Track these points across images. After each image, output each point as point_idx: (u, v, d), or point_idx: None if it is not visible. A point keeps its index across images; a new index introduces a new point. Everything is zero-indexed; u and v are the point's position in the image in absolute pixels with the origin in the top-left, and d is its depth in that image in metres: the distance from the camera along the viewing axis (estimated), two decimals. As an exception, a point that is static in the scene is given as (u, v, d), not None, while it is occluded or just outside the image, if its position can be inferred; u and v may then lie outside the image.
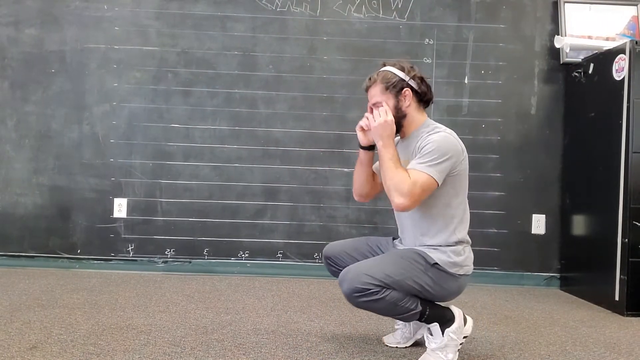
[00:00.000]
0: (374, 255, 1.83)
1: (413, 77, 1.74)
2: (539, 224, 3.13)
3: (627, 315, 2.46)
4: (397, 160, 1.66)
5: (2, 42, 3.10)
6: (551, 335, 2.09)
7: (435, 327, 1.68)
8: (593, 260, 2.75)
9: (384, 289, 1.57)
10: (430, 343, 1.69)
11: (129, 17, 3.11)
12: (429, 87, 1.78)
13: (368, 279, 1.57)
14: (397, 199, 1.60)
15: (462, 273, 1.69)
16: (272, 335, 1.96)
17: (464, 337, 1.73)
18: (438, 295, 1.68)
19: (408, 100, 1.74)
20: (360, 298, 1.57)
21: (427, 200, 1.67)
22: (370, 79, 1.78)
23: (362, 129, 1.80)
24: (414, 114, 1.76)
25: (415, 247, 1.73)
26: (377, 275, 1.58)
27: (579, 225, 2.93)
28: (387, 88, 1.73)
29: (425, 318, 1.67)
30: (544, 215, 3.13)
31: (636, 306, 2.46)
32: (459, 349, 1.71)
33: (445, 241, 1.69)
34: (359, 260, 1.78)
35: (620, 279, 2.50)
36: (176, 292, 2.63)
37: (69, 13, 3.11)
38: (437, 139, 1.65)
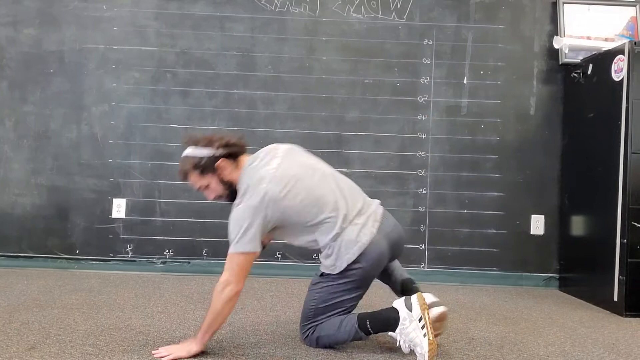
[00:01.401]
0: None
1: (219, 147, 1.73)
2: (537, 224, 3.13)
3: (626, 316, 2.46)
4: (205, 322, 1.68)
5: (1, 42, 3.09)
6: (550, 336, 2.09)
7: (392, 334, 1.68)
8: (592, 261, 2.75)
9: (313, 327, 1.79)
10: (403, 349, 1.68)
11: (128, 17, 3.11)
12: (237, 142, 1.77)
13: (302, 328, 1.83)
14: (226, 290, 1.64)
15: (344, 268, 1.72)
16: (271, 335, 1.96)
17: (420, 320, 1.61)
18: (351, 294, 1.76)
19: (227, 169, 1.74)
20: (311, 343, 1.80)
21: (290, 240, 1.82)
22: (181, 170, 1.77)
23: None
24: (236, 174, 1.76)
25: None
26: (302, 322, 1.83)
27: (578, 225, 2.93)
28: (202, 172, 1.74)
29: (370, 330, 1.70)
30: (542, 216, 3.13)
31: (635, 307, 2.46)
32: (425, 333, 1.60)
33: (324, 253, 1.78)
34: None
35: (618, 279, 2.51)
36: (175, 292, 2.62)
37: (67, 13, 3.10)
38: (235, 213, 1.67)
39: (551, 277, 3.12)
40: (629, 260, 2.47)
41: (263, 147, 3.10)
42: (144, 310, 2.26)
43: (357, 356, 1.76)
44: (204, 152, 1.73)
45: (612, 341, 2.07)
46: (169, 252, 3.10)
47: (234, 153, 1.75)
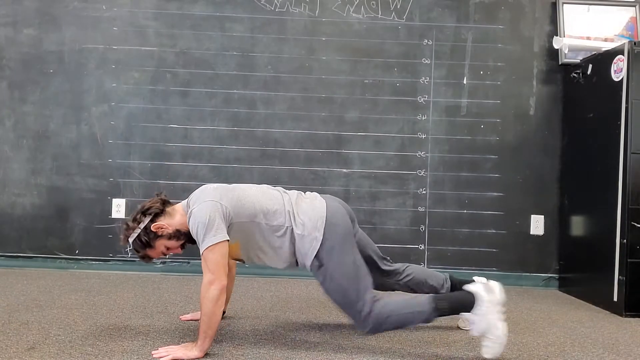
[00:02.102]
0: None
1: (141, 219, 1.78)
2: (537, 224, 3.13)
3: (626, 316, 2.46)
4: (201, 327, 1.67)
5: (0, 42, 3.09)
6: (550, 336, 2.09)
7: (465, 315, 1.69)
8: (591, 261, 2.75)
9: (369, 305, 1.72)
10: (473, 332, 1.69)
11: (128, 18, 3.11)
12: (152, 203, 1.81)
13: (357, 316, 1.75)
14: (211, 289, 1.65)
15: (319, 235, 1.75)
16: (271, 336, 1.96)
17: (500, 305, 1.69)
18: (353, 254, 1.78)
19: (165, 225, 1.79)
20: (377, 323, 1.74)
21: (258, 252, 1.81)
22: (141, 257, 1.85)
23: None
24: (178, 220, 1.81)
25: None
26: (352, 310, 1.75)
27: (578, 226, 2.93)
28: (150, 244, 1.79)
29: (445, 311, 1.71)
30: (542, 216, 3.13)
31: (634, 307, 2.46)
32: (501, 318, 1.66)
33: (298, 237, 1.77)
34: None
35: (618, 279, 2.51)
36: (174, 292, 2.62)
37: (67, 13, 3.10)
38: (194, 218, 1.71)
39: (551, 277, 3.12)
40: (629, 260, 2.47)
41: (262, 146, 3.12)
42: (143, 310, 2.26)
43: (357, 356, 1.76)
44: (137, 232, 1.79)
45: (612, 341, 2.07)
46: (168, 252, 3.10)
47: (157, 212, 1.80)
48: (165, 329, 1.98)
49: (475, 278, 2.11)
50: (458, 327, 2.15)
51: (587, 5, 3.10)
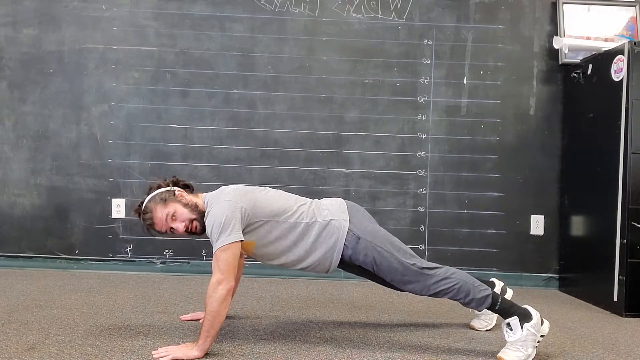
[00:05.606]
0: None
1: (169, 183, 1.89)
2: (537, 224, 3.13)
3: (626, 316, 2.46)
4: (204, 326, 1.68)
5: (1, 42, 3.09)
6: (550, 336, 2.09)
7: (514, 320, 1.72)
8: (592, 261, 2.75)
9: (419, 267, 1.81)
10: (509, 337, 1.73)
11: (127, 17, 3.10)
12: (177, 181, 1.92)
13: (410, 277, 1.83)
14: (219, 289, 1.68)
15: (345, 215, 1.85)
16: (271, 336, 1.96)
17: (541, 336, 1.75)
18: (380, 229, 1.89)
19: (186, 196, 1.86)
20: (441, 280, 1.81)
21: (274, 251, 1.85)
22: (150, 214, 1.83)
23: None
24: (196, 200, 1.87)
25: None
26: (406, 274, 1.83)
27: (578, 226, 2.93)
28: (165, 201, 1.82)
29: (498, 304, 1.76)
30: (542, 216, 3.13)
31: (634, 307, 2.46)
32: (536, 346, 1.72)
33: (318, 227, 1.83)
34: None
35: (618, 279, 2.51)
36: (174, 293, 2.62)
37: (67, 13, 3.10)
38: (211, 217, 1.74)
39: (551, 277, 3.12)
40: (629, 260, 2.47)
41: (262, 146, 3.12)
42: (143, 310, 2.25)
43: (357, 356, 1.76)
44: (163, 189, 1.87)
45: (612, 341, 2.07)
46: (168, 252, 3.10)
47: (186, 185, 1.93)
48: (165, 329, 1.98)
49: (493, 280, 2.18)
50: (471, 327, 2.15)
51: (587, 5, 3.10)
